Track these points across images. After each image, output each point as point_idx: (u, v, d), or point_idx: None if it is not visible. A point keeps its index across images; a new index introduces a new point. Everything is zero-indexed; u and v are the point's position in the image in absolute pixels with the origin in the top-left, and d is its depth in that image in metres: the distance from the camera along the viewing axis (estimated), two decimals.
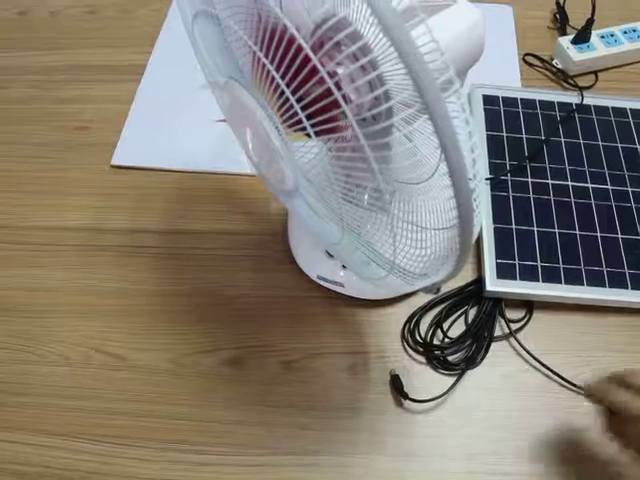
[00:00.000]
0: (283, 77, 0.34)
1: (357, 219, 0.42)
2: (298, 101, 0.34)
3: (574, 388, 0.55)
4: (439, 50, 0.30)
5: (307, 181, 0.42)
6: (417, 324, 0.58)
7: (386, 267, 0.42)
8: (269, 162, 0.42)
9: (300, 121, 0.35)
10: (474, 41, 0.43)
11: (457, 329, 0.58)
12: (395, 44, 0.27)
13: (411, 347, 0.58)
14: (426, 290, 0.43)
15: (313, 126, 0.34)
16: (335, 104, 0.32)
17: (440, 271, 0.41)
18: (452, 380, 0.55)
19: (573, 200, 0.65)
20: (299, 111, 0.34)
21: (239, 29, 0.35)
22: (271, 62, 0.34)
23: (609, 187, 0.66)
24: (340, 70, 0.36)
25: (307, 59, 0.32)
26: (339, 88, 0.33)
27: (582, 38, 0.79)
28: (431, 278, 0.41)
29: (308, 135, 0.36)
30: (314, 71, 0.32)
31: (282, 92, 0.34)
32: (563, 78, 0.79)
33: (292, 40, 0.32)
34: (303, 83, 0.33)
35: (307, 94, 0.34)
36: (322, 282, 0.60)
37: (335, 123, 0.34)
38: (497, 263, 0.60)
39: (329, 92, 0.32)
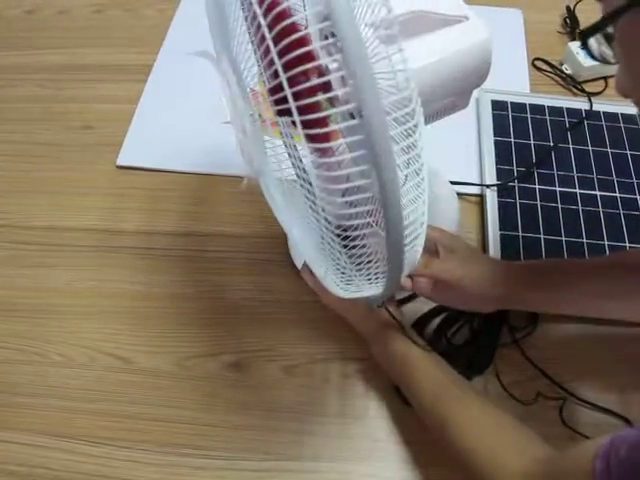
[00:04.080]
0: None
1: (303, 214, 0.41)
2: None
3: (577, 400, 0.54)
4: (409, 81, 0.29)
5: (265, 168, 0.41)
6: (422, 330, 0.58)
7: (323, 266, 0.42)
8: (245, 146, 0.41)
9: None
10: (479, 61, 0.42)
11: (462, 336, 0.58)
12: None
13: None
14: (370, 300, 0.42)
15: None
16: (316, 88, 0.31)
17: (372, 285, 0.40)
18: None
19: (581, 208, 0.65)
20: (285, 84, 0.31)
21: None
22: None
23: (617, 195, 0.66)
24: (333, 65, 0.35)
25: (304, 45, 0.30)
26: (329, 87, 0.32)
27: None
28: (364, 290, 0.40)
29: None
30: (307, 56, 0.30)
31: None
32: (572, 84, 0.78)
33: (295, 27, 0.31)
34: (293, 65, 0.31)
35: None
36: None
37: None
38: None
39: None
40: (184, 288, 0.62)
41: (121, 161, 0.72)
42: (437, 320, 0.59)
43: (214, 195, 0.69)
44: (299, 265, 0.61)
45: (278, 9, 0.30)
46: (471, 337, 0.58)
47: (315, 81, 0.30)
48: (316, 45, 0.30)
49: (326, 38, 0.32)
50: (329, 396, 0.56)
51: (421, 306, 0.59)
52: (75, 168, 0.72)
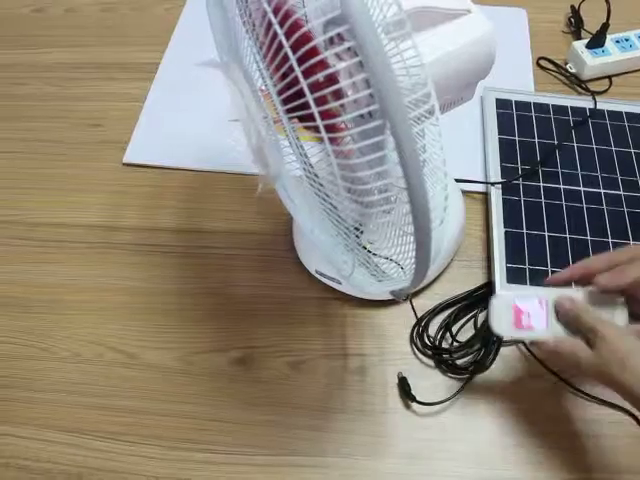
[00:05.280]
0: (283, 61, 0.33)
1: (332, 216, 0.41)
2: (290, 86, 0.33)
3: (582, 395, 0.54)
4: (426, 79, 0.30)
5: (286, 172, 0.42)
6: (426, 327, 0.58)
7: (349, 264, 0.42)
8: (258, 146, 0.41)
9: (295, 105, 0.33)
10: (484, 53, 0.42)
11: (466, 333, 0.58)
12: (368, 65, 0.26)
13: (420, 350, 0.58)
14: (394, 294, 0.43)
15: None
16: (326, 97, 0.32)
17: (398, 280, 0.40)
18: (460, 384, 0.55)
19: (585, 205, 0.65)
20: (305, 87, 0.32)
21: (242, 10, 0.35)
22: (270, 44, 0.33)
23: (621, 193, 0.66)
24: (342, 65, 0.35)
25: (306, 44, 0.31)
26: (336, 81, 0.32)
27: (597, 42, 0.78)
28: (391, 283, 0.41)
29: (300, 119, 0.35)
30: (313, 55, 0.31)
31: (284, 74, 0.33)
32: (577, 82, 0.78)
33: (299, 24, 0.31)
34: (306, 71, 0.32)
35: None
36: (321, 277, 0.60)
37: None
38: (507, 267, 0.59)
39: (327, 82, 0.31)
40: (189, 284, 0.63)
41: (128, 159, 0.72)
42: (442, 316, 0.59)
43: (219, 192, 0.70)
44: (306, 262, 0.62)
45: (285, 7, 0.31)
46: (476, 333, 0.58)
47: (330, 70, 0.30)
48: (320, 39, 0.31)
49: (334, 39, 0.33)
50: (335, 392, 0.56)
51: (425, 302, 0.60)
52: (82, 165, 0.73)
